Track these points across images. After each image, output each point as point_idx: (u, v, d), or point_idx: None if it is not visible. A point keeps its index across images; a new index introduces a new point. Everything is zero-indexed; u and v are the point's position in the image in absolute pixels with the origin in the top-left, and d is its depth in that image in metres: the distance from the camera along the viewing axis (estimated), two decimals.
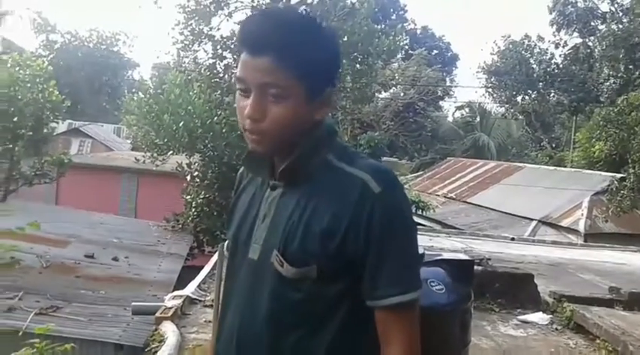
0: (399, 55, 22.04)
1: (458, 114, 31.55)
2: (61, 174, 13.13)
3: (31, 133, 12.23)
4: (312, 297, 1.16)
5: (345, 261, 1.14)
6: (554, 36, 26.55)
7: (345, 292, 1.17)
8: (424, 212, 14.27)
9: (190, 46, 11.53)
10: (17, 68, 12.18)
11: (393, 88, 25.08)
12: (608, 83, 20.54)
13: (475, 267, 3.09)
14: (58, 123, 14.04)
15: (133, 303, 5.03)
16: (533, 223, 14.46)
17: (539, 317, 5.09)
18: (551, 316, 5.16)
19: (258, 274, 1.21)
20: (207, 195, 11.37)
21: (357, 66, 12.07)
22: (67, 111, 14.35)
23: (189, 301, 4.84)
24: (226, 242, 1.39)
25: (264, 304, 1.19)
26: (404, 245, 1.16)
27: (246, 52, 1.16)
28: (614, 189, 14.43)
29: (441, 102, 30.97)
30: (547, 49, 27.64)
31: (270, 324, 1.18)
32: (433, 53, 32.86)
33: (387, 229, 1.14)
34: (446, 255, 1.98)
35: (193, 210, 11.55)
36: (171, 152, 11.52)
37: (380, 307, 1.16)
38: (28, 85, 11.97)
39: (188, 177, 11.67)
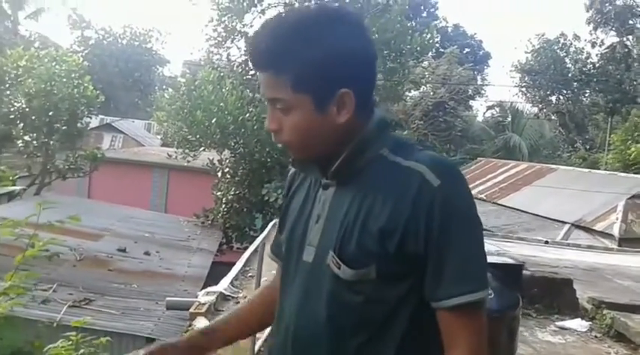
0: (430, 53, 21.84)
1: (489, 113, 31.07)
2: (94, 168, 13.34)
3: (65, 128, 12.45)
4: (373, 300, 1.11)
5: (405, 260, 1.08)
6: (591, 34, 25.97)
7: (409, 293, 1.11)
8: None
9: (223, 42, 11.59)
10: (53, 63, 12.40)
11: (423, 86, 24.83)
12: None
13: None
14: (91, 118, 14.27)
15: (167, 298, 5.05)
16: (566, 226, 14.14)
17: (578, 324, 4.94)
18: (590, 323, 5.01)
19: (314, 277, 1.16)
20: (237, 192, 11.43)
21: (390, 64, 11.98)
22: (100, 106, 14.57)
23: (222, 297, 4.83)
24: (269, 242, 1.34)
25: (322, 308, 1.14)
26: (467, 240, 1.09)
27: (255, 70, 1.19)
28: None
29: (471, 102, 30.52)
30: (583, 48, 27.07)
31: (330, 329, 1.13)
32: (464, 51, 32.40)
33: (448, 223, 1.07)
34: (492, 258, 1.90)
35: (223, 206, 11.62)
36: (202, 148, 11.60)
37: (443, 308, 1.09)
38: (64, 80, 12.19)
39: (219, 174, 11.73)
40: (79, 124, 13.06)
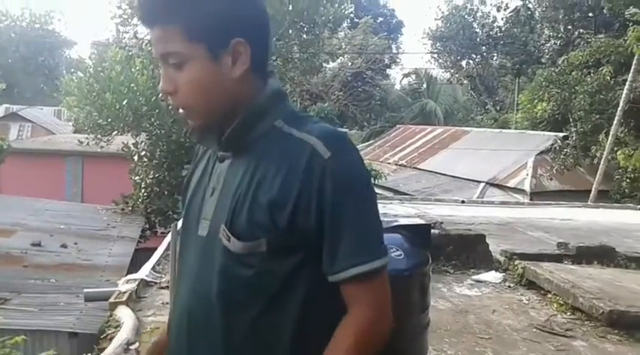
0: (345, 24, 21.89)
1: (405, 81, 31.78)
2: (1, 160, 12.56)
3: None
4: (264, 273, 1.10)
5: (296, 234, 1.08)
6: None
7: (302, 266, 1.11)
8: (376, 180, 14.44)
9: (129, 20, 11.11)
10: None
11: (341, 57, 24.96)
12: (548, 44, 21.03)
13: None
14: None
15: (85, 290, 4.87)
16: (482, 185, 14.83)
17: (492, 276, 5.22)
18: (503, 274, 5.30)
19: (208, 251, 1.15)
20: (156, 175, 11.10)
21: (304, 36, 11.92)
22: (3, 94, 13.68)
23: (145, 284, 4.72)
24: (180, 221, 1.33)
25: (213, 283, 1.12)
26: (361, 210, 1.09)
27: (145, 27, 1.14)
28: (558, 147, 14.98)
29: (388, 70, 31.14)
30: (489, 13, 28.03)
31: (222, 304, 1.12)
32: (378, 21, 32.79)
33: (340, 196, 1.07)
34: (402, 221, 1.97)
35: (143, 190, 11.27)
36: (115, 132, 11.13)
37: (343, 280, 1.09)
38: None
39: (135, 158, 11.35)
40: None
